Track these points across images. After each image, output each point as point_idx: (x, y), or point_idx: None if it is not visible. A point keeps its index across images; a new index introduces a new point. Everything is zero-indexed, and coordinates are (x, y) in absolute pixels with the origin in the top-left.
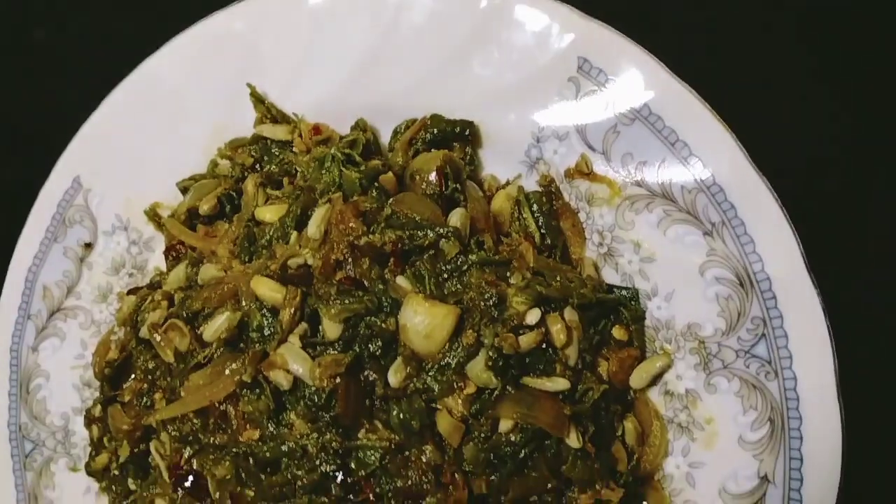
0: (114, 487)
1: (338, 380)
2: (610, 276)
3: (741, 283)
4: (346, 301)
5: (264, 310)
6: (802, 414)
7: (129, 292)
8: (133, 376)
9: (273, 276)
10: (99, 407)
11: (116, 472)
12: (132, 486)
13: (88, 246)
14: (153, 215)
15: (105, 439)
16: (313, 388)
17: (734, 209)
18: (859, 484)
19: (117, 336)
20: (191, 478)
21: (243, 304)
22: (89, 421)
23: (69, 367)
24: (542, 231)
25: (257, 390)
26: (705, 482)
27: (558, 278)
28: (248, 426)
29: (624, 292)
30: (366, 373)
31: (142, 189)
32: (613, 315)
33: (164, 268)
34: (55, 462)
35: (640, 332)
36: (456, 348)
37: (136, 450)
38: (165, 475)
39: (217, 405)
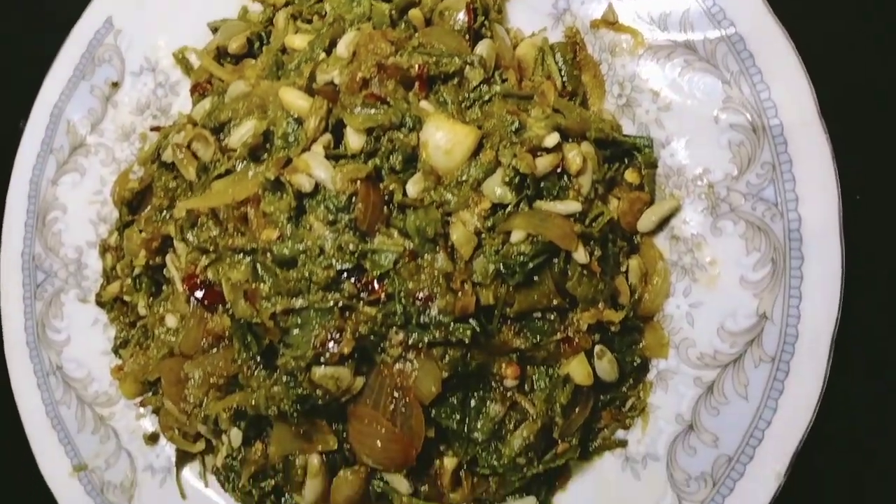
0: (122, 317)
1: (358, 184)
2: (627, 128)
3: (754, 129)
4: (371, 112)
5: (290, 118)
6: (804, 254)
7: (153, 129)
8: (153, 197)
9: (301, 89)
10: (115, 235)
11: (127, 298)
12: (141, 311)
13: (115, 85)
14: (181, 58)
15: (118, 267)
16: (334, 193)
17: (752, 58)
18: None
19: (137, 175)
20: (204, 288)
21: (269, 113)
22: (104, 249)
23: (87, 202)
24: (564, 79)
25: (279, 192)
26: (704, 321)
27: (577, 116)
28: (267, 227)
29: (639, 140)
30: (385, 183)
31: (172, 33)
32: (627, 159)
33: (187, 111)
34: (65, 293)
35: (651, 179)
36: (474, 166)
37: (150, 262)
38: (179, 286)
39: (238, 208)
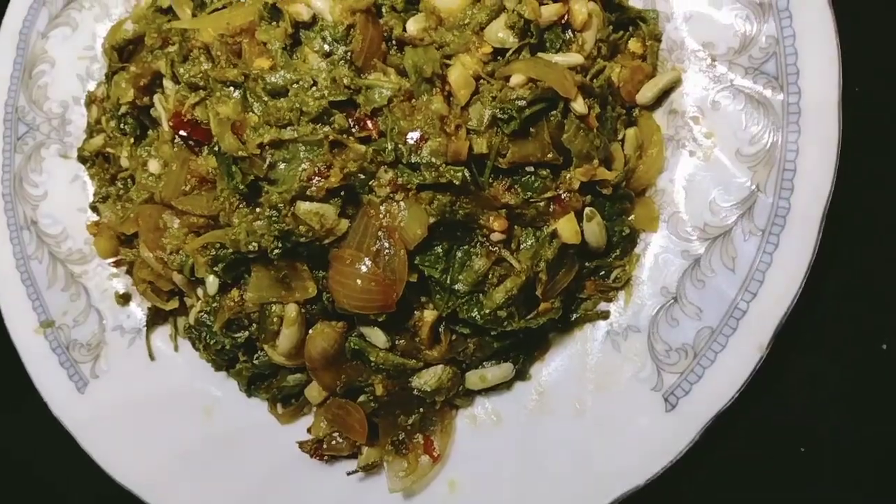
0: (102, 173)
1: (357, 16)
2: (633, 1)
3: (759, 3)
4: None
5: None
6: (801, 127)
7: None
8: (146, 37)
9: None
10: (102, 87)
11: (110, 150)
12: (124, 163)
13: None
14: None
15: (104, 119)
16: (331, 23)
17: None
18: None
19: (130, 30)
20: (190, 127)
21: None
22: (90, 101)
23: (77, 56)
24: None
25: (275, 22)
26: (696, 195)
27: None
28: (261, 56)
29: (645, 11)
30: (385, 19)
31: None
32: (632, 28)
33: None
34: (46, 147)
35: (654, 51)
36: (478, 9)
37: (138, 102)
38: (166, 125)
39: (232, 38)
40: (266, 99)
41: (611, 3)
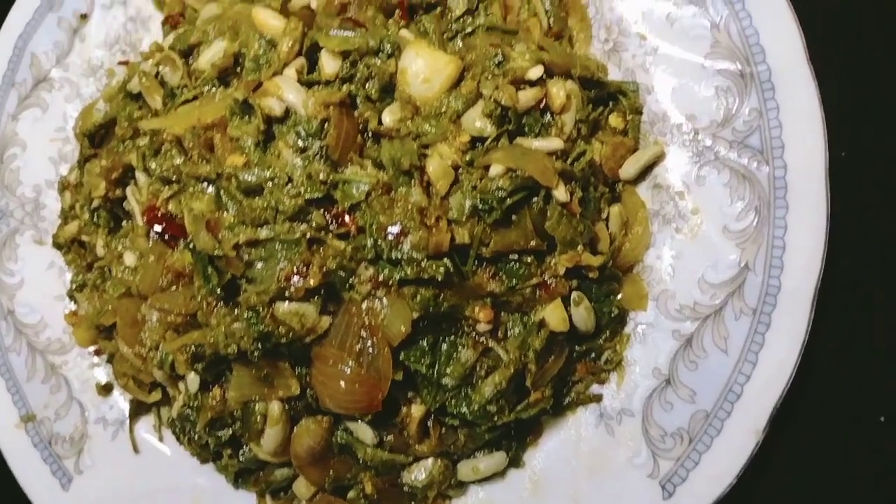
0: (78, 259)
1: (331, 110)
2: (613, 74)
3: (742, 75)
4: (348, 35)
5: (262, 40)
6: (789, 203)
7: (121, 64)
8: (117, 127)
9: (275, 10)
10: (75, 173)
11: (85, 238)
12: (100, 251)
13: (84, 17)
14: None
15: (77, 206)
16: (305, 118)
17: (742, 1)
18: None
19: (102, 111)
20: (165, 221)
21: (241, 35)
22: (63, 187)
23: (48, 138)
24: (550, 19)
25: (247, 116)
26: (685, 272)
27: (562, 53)
28: (233, 153)
29: (625, 84)
30: (360, 111)
31: None
32: (612, 103)
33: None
34: (21, 234)
35: (635, 125)
36: (454, 97)
37: (110, 195)
38: (139, 219)
39: (203, 133)
40: (240, 198)
41: (589, 79)
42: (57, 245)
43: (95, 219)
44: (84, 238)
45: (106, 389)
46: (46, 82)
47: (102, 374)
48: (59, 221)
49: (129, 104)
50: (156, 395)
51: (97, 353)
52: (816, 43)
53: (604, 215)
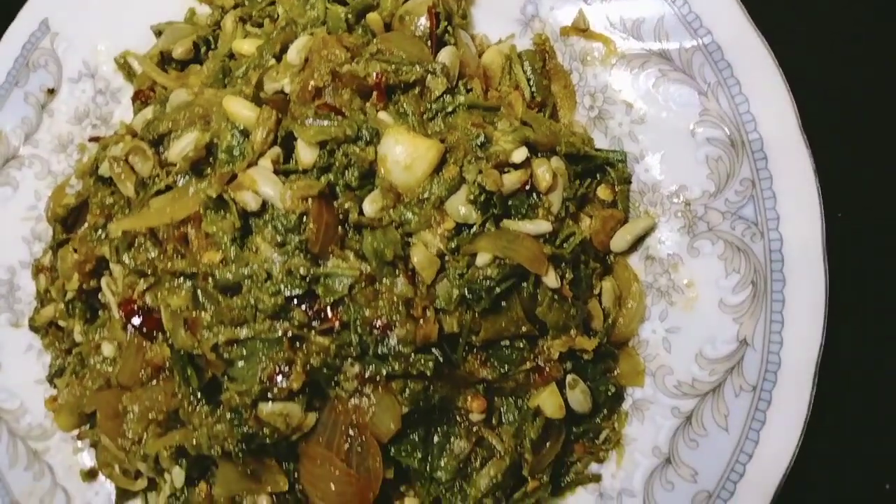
0: (57, 343)
1: (310, 202)
2: (599, 141)
3: (732, 144)
4: (324, 124)
5: (235, 130)
6: (786, 276)
7: (92, 139)
8: (89, 214)
9: (247, 98)
10: (49, 256)
11: (62, 323)
12: (77, 337)
13: (51, 92)
14: (123, 64)
15: (52, 290)
16: (283, 211)
17: (731, 68)
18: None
19: (74, 189)
20: (142, 315)
21: (213, 125)
22: (37, 270)
23: (20, 218)
24: (533, 89)
25: (222, 211)
26: (682, 347)
27: (546, 129)
28: (209, 249)
29: (612, 154)
30: (340, 201)
31: (113, 37)
32: (600, 174)
33: (129, 120)
34: None
35: (625, 195)
36: (437, 183)
37: (85, 286)
38: (116, 312)
39: (178, 228)
40: (218, 297)
41: (575, 154)
42: (34, 328)
43: (71, 309)
44: (61, 323)
45: (91, 475)
46: (16, 160)
47: (87, 458)
48: (35, 304)
49: (100, 189)
50: (142, 483)
51: (80, 437)
52: (808, 107)
53: (596, 291)
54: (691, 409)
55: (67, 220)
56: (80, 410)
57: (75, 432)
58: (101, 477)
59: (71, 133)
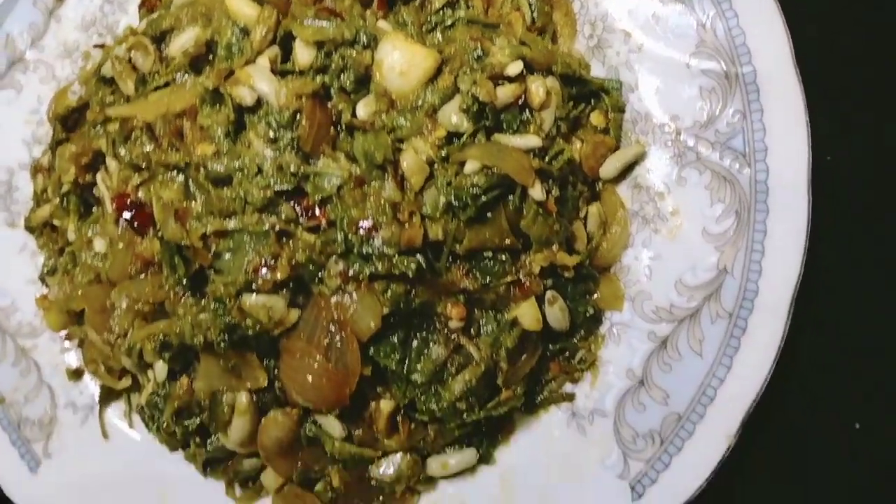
0: (51, 244)
1: (304, 101)
2: (597, 71)
3: (726, 76)
4: (323, 24)
5: (235, 28)
6: (770, 206)
7: (97, 46)
8: (89, 112)
9: None
10: (47, 156)
11: (56, 222)
12: (71, 236)
13: None
14: None
15: (49, 190)
16: (277, 108)
17: (729, 0)
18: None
19: (76, 94)
20: (134, 209)
21: (214, 22)
22: (35, 170)
23: (22, 121)
24: (534, 13)
25: (218, 105)
26: (662, 274)
27: (544, 49)
28: (203, 141)
29: (608, 82)
30: (334, 102)
31: None
32: (594, 101)
33: (136, 27)
34: None
35: (617, 124)
36: (431, 91)
37: (80, 180)
38: (109, 206)
39: (174, 120)
40: (209, 188)
41: (571, 76)
42: (29, 228)
43: (66, 204)
44: (56, 222)
45: (76, 374)
46: (21, 63)
47: (73, 358)
48: (32, 205)
49: (101, 88)
50: (125, 382)
51: (68, 337)
52: (804, 44)
53: (582, 214)
54: (667, 333)
55: (68, 120)
56: (70, 309)
57: (63, 333)
58: (86, 378)
59: (77, 40)
